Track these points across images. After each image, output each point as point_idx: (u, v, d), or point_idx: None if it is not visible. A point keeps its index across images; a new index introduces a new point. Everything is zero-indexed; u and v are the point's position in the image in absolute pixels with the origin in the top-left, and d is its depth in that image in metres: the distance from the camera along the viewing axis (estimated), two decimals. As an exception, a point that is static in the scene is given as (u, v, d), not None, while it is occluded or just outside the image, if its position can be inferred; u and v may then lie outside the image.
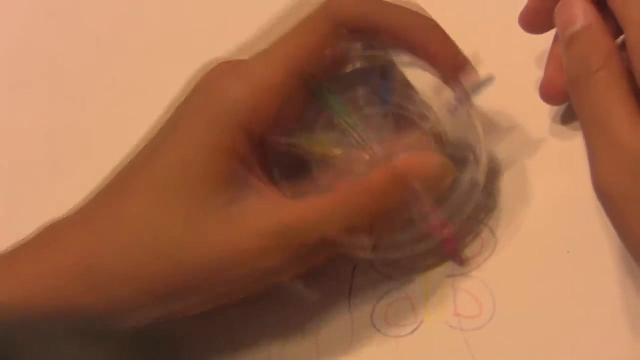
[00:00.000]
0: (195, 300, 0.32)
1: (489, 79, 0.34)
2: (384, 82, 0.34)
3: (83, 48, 0.46)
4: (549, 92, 0.37)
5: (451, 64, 0.34)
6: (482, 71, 0.35)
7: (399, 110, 0.34)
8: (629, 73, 0.33)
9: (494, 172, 0.38)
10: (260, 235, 0.30)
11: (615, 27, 0.33)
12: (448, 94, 0.34)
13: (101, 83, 0.45)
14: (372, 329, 0.36)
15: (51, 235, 0.32)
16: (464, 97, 0.33)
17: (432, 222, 0.33)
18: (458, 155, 0.34)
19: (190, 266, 0.30)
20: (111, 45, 0.46)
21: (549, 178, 0.38)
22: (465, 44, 0.35)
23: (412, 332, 0.36)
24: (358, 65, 0.35)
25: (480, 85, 0.34)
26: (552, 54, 0.37)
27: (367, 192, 0.31)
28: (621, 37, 0.34)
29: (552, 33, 0.37)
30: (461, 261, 0.36)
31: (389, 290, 0.37)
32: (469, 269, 0.37)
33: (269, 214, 0.31)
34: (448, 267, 0.37)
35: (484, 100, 0.39)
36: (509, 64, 0.40)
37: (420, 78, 0.35)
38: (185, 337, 0.36)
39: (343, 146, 0.33)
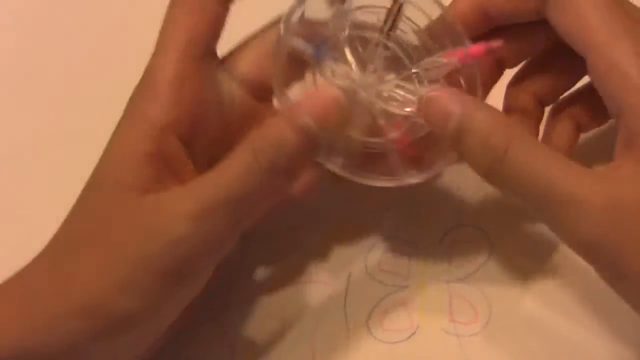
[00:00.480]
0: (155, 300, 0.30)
1: None
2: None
3: (84, 49, 0.46)
4: None
5: None
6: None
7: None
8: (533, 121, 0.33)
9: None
10: (186, 219, 0.29)
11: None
12: None
13: (102, 83, 0.45)
14: (368, 335, 0.36)
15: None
16: None
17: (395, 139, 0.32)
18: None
19: (128, 270, 0.29)
20: (112, 47, 0.46)
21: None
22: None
23: (408, 338, 0.36)
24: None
25: None
26: None
27: (267, 141, 0.29)
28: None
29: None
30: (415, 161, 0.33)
31: (385, 296, 0.37)
32: (465, 275, 0.37)
33: (188, 197, 0.30)
34: (444, 273, 0.37)
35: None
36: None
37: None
38: (181, 345, 0.36)
39: None
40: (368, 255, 0.38)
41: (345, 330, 0.36)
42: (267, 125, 0.30)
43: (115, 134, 0.32)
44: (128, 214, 0.30)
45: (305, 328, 0.36)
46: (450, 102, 0.30)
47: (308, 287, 0.37)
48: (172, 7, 0.33)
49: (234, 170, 0.30)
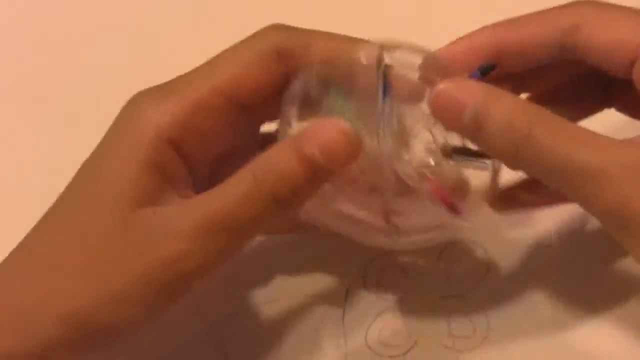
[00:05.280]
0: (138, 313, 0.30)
1: None
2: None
3: (85, 48, 0.46)
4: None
5: None
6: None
7: None
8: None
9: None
10: (183, 237, 0.29)
11: None
12: None
13: (103, 82, 0.45)
14: (366, 349, 0.35)
15: None
16: None
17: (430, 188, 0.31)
18: None
19: (121, 282, 0.29)
20: (113, 46, 0.46)
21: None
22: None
23: (406, 353, 0.35)
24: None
25: None
26: None
27: (270, 168, 0.29)
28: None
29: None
30: (455, 209, 0.32)
31: (383, 310, 0.36)
32: (464, 291, 0.36)
33: (187, 215, 0.29)
34: (442, 288, 0.37)
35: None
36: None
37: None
38: (175, 358, 0.36)
39: None
40: (366, 270, 0.38)
41: (343, 345, 0.36)
42: (271, 150, 0.29)
43: (109, 137, 0.31)
44: (122, 226, 0.29)
45: (303, 343, 0.36)
46: (462, 91, 0.29)
47: (306, 302, 0.37)
48: (229, 49, 0.32)
49: (233, 193, 0.29)
